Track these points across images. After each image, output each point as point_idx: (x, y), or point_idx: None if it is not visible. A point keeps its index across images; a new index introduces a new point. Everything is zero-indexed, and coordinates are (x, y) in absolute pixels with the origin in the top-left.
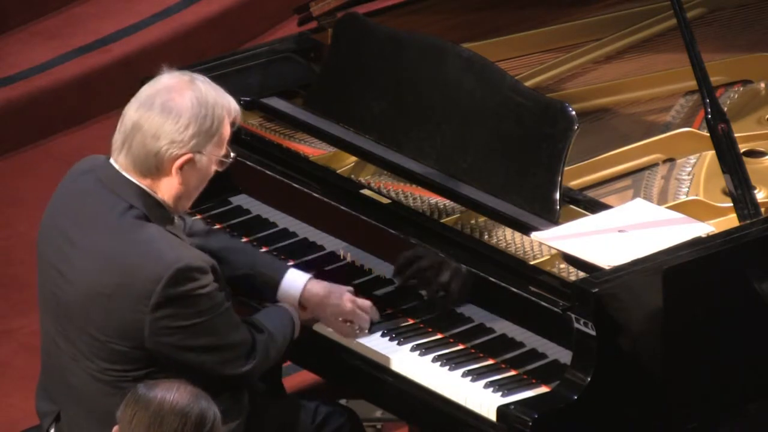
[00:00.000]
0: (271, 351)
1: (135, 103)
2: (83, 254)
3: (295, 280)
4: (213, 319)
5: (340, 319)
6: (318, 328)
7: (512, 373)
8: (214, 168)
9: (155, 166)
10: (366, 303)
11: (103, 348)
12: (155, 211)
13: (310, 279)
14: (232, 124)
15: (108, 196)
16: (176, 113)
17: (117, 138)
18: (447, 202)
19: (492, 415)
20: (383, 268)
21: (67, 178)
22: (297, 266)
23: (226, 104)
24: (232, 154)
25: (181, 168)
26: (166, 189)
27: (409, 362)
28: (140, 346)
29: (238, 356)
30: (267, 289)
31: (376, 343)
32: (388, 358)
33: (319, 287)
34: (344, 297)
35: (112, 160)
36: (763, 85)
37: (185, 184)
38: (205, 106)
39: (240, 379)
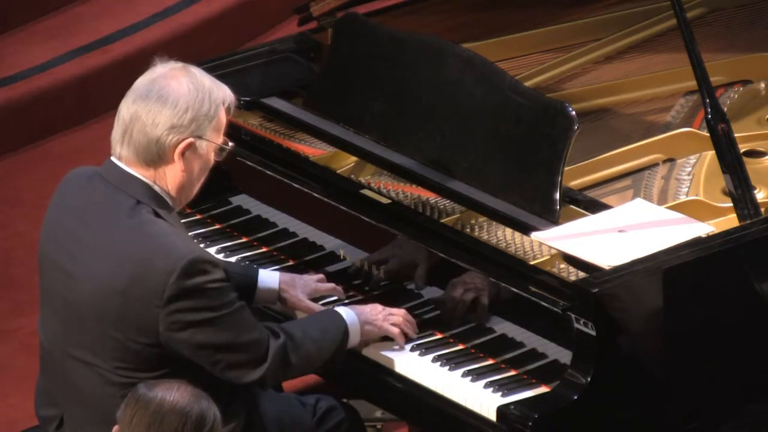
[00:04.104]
0: (291, 357)
1: (131, 95)
2: (93, 253)
3: (269, 274)
4: (225, 317)
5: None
6: None
7: (512, 373)
8: (213, 156)
9: (158, 154)
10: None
11: (119, 347)
12: (159, 205)
13: (280, 273)
14: (228, 111)
15: (114, 193)
16: (174, 98)
17: (116, 133)
18: (447, 202)
19: (492, 415)
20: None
21: (66, 182)
22: (297, 266)
23: (221, 90)
24: (230, 143)
25: (183, 154)
26: (170, 178)
27: (409, 362)
28: (156, 344)
29: (252, 358)
30: (245, 288)
31: (376, 343)
32: (388, 359)
33: (288, 274)
34: (306, 275)
35: (113, 158)
36: (763, 85)
37: (188, 171)
38: (201, 90)
39: (253, 385)
